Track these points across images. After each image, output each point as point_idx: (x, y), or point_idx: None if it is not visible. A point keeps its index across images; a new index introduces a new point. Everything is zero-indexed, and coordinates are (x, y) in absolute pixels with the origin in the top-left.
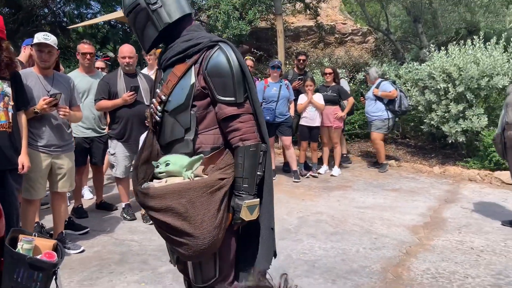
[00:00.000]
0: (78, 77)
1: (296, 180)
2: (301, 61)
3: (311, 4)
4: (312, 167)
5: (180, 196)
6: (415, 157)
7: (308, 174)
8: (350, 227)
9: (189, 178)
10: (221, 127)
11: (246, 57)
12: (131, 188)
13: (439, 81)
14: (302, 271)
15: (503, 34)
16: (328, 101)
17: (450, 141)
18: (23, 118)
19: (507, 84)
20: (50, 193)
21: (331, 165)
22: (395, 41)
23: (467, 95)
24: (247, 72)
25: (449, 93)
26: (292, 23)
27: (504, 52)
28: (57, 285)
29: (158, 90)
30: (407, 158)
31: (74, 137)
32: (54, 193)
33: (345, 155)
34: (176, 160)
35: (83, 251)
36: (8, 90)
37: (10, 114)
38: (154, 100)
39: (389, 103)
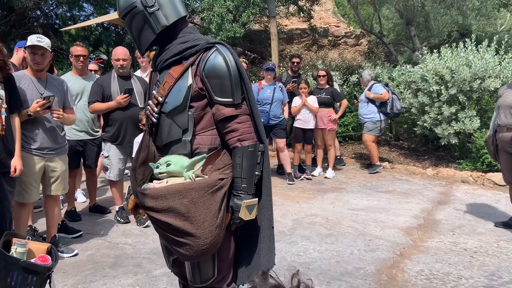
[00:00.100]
0: (72, 80)
1: (290, 182)
2: (295, 64)
3: (304, 7)
4: (306, 169)
5: (182, 196)
6: (409, 159)
7: (302, 176)
8: (344, 229)
9: (190, 178)
10: (219, 128)
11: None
12: (125, 191)
13: (432, 84)
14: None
15: (494, 37)
16: (322, 104)
17: (443, 143)
18: (16, 121)
19: (499, 86)
20: (43, 196)
21: (324, 167)
22: (388, 43)
23: (459, 97)
24: (244, 73)
25: (441, 96)
26: (286, 25)
27: (496, 54)
28: None
29: (154, 92)
30: (400, 160)
31: (67, 140)
32: (47, 196)
33: (338, 157)
34: (177, 161)
35: (76, 254)
36: (2, 92)
37: (3, 116)
38: (150, 101)
39: (381, 105)
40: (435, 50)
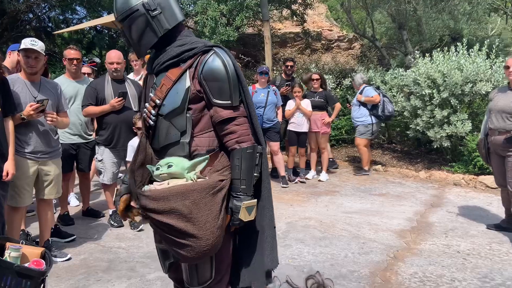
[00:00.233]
0: (65, 83)
1: (284, 185)
2: (289, 67)
3: (297, 11)
4: (300, 172)
5: (184, 198)
6: (401, 162)
7: (296, 180)
8: (338, 232)
9: (192, 180)
10: (216, 130)
11: None
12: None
13: (424, 87)
14: (291, 277)
15: (485, 41)
16: (316, 107)
17: (435, 146)
18: (10, 124)
19: (490, 90)
20: (36, 200)
21: (318, 171)
22: (380, 47)
23: (451, 101)
24: (242, 76)
25: (434, 99)
26: (279, 29)
27: (487, 58)
28: None
29: (151, 94)
30: (393, 163)
31: (61, 143)
32: (40, 200)
33: (331, 160)
34: (178, 162)
35: (69, 259)
36: None
37: None
38: (147, 104)
39: (372, 108)
40: (427, 54)
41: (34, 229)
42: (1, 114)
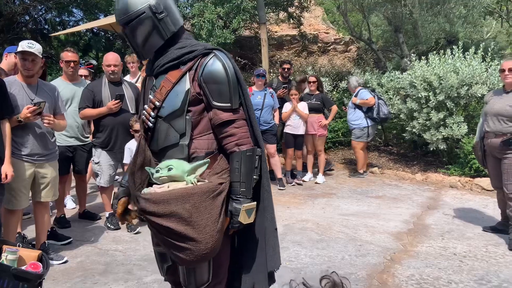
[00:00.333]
0: (62, 85)
1: (281, 188)
2: (286, 70)
3: (294, 14)
4: (297, 174)
5: (185, 201)
6: (398, 164)
7: (293, 182)
8: (335, 234)
9: (192, 183)
10: (215, 133)
11: None
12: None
13: (420, 90)
14: (288, 279)
15: (481, 44)
16: (312, 109)
17: (431, 149)
18: (7, 127)
19: (486, 92)
20: (33, 203)
21: (315, 173)
22: (376, 50)
23: (447, 104)
24: (242, 79)
25: (430, 102)
26: (276, 32)
27: (482, 61)
28: None
29: (150, 96)
30: (389, 166)
31: (57, 146)
32: (37, 203)
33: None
34: (178, 165)
35: (66, 261)
36: None
37: None
38: (146, 106)
39: (367, 110)
40: (423, 57)
41: (30, 231)
42: None
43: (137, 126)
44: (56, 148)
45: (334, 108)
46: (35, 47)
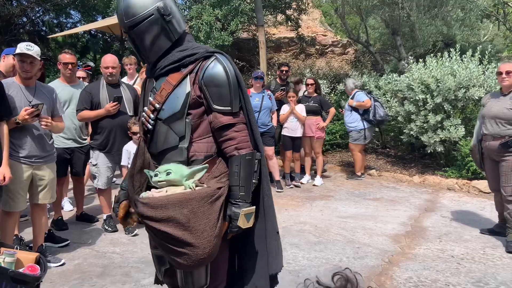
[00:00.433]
0: (60, 87)
1: (279, 190)
2: (284, 72)
3: (292, 16)
4: (295, 177)
5: (183, 206)
6: (395, 166)
7: (291, 184)
8: (333, 236)
9: (190, 188)
10: (215, 136)
11: None
12: (113, 199)
13: (418, 92)
14: (286, 282)
15: (478, 47)
16: (310, 112)
17: (429, 151)
18: (4, 129)
19: (483, 95)
20: (30, 205)
21: (312, 175)
22: (374, 53)
23: (444, 106)
24: (242, 83)
25: (427, 104)
26: (274, 34)
27: (480, 64)
28: None
29: (150, 98)
30: (387, 168)
31: (55, 148)
32: (34, 205)
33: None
34: (176, 169)
35: (63, 264)
36: None
37: None
38: (146, 108)
39: (364, 113)
40: (420, 60)
41: (27, 234)
42: None
43: (135, 128)
44: (54, 150)
45: (332, 110)
46: (33, 49)
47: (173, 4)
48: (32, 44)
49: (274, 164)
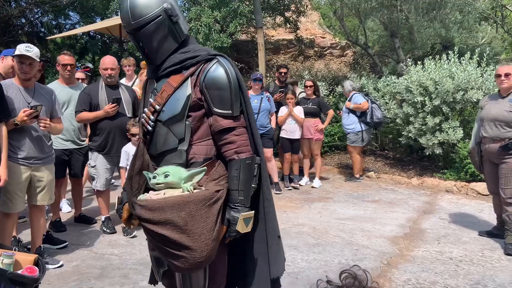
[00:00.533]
0: (58, 88)
1: (277, 192)
2: (283, 74)
3: (291, 18)
4: (293, 178)
5: (180, 209)
6: (394, 168)
7: (290, 186)
8: (331, 238)
9: (188, 191)
10: (215, 139)
11: None
12: (111, 200)
13: (416, 95)
14: (285, 284)
15: (476, 50)
16: (309, 114)
17: (427, 153)
18: (3, 130)
19: (481, 97)
20: (28, 206)
21: (311, 177)
22: (373, 55)
23: (443, 108)
24: (244, 86)
25: (425, 106)
26: (273, 36)
27: (478, 67)
28: None
29: (151, 100)
30: (386, 170)
31: (53, 149)
32: (33, 206)
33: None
34: (175, 172)
35: (61, 265)
36: None
37: None
38: (146, 109)
39: (361, 115)
40: (419, 62)
41: (25, 235)
42: None
43: (134, 129)
44: (52, 152)
45: (331, 112)
46: (32, 51)
47: (177, 5)
48: (32, 46)
49: (273, 166)
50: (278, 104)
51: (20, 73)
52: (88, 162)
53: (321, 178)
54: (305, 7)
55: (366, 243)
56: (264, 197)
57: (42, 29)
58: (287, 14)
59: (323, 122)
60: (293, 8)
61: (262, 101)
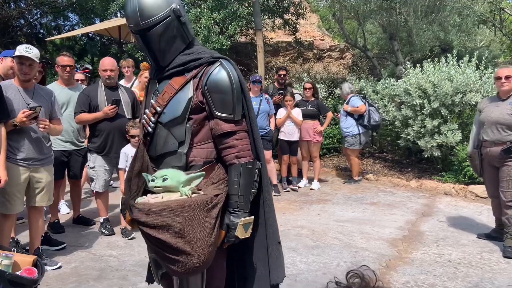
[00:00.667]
0: (57, 90)
1: (276, 194)
2: (282, 76)
3: (290, 20)
4: (292, 180)
5: (178, 214)
6: (392, 171)
7: (288, 188)
8: (330, 240)
9: (186, 195)
10: (215, 142)
11: None
12: (110, 202)
13: (415, 97)
14: (284, 286)
15: (475, 53)
16: (308, 116)
17: (426, 156)
18: (2, 131)
19: (480, 100)
20: (27, 208)
21: (310, 179)
22: (371, 57)
23: (441, 111)
24: (246, 90)
25: (424, 109)
26: (272, 38)
27: (476, 69)
28: None
29: (152, 101)
30: (384, 172)
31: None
32: (31, 208)
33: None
34: (173, 176)
35: (60, 267)
36: None
37: None
38: (147, 110)
39: (359, 118)
40: (418, 65)
41: (24, 237)
42: None
43: (133, 131)
44: (51, 153)
45: (329, 114)
46: (32, 52)
47: (182, 6)
48: (31, 47)
49: (272, 168)
50: (277, 106)
51: (20, 74)
52: (87, 164)
53: (319, 180)
54: (304, 10)
55: (365, 245)
56: (264, 203)
57: (41, 30)
58: (286, 16)
59: (322, 124)
60: (292, 11)
61: (261, 103)
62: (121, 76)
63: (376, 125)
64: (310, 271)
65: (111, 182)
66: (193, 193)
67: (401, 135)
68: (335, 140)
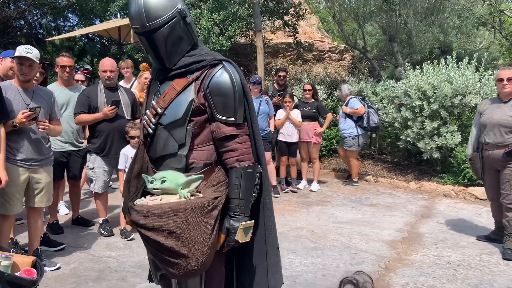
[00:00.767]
0: (57, 90)
1: (275, 195)
2: (281, 77)
3: (289, 22)
4: (291, 182)
5: (176, 216)
6: (392, 172)
7: (287, 189)
8: (330, 242)
9: (185, 198)
10: (216, 145)
11: None
12: (109, 203)
13: (415, 99)
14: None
15: (474, 55)
16: (307, 117)
17: (425, 157)
18: (1, 132)
19: (479, 102)
20: (26, 208)
21: (309, 181)
22: (371, 59)
23: (441, 113)
24: (248, 93)
25: (424, 111)
26: (271, 39)
27: (476, 71)
28: None
29: (153, 102)
30: (384, 174)
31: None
32: (30, 208)
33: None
34: (172, 178)
35: (59, 268)
36: None
37: None
38: (148, 111)
39: (358, 119)
40: (417, 66)
41: (22, 237)
42: None
43: (132, 132)
44: (51, 154)
45: (329, 116)
46: (32, 53)
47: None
48: (32, 47)
49: (271, 169)
50: (277, 108)
51: (20, 74)
52: (87, 164)
53: (319, 182)
54: (304, 11)
55: (364, 247)
56: (264, 207)
57: (41, 31)
58: (286, 17)
59: (321, 125)
60: (292, 12)
61: (261, 104)
62: (120, 77)
63: (375, 126)
64: (310, 272)
65: (111, 183)
66: (192, 195)
67: (401, 137)
68: (335, 142)
